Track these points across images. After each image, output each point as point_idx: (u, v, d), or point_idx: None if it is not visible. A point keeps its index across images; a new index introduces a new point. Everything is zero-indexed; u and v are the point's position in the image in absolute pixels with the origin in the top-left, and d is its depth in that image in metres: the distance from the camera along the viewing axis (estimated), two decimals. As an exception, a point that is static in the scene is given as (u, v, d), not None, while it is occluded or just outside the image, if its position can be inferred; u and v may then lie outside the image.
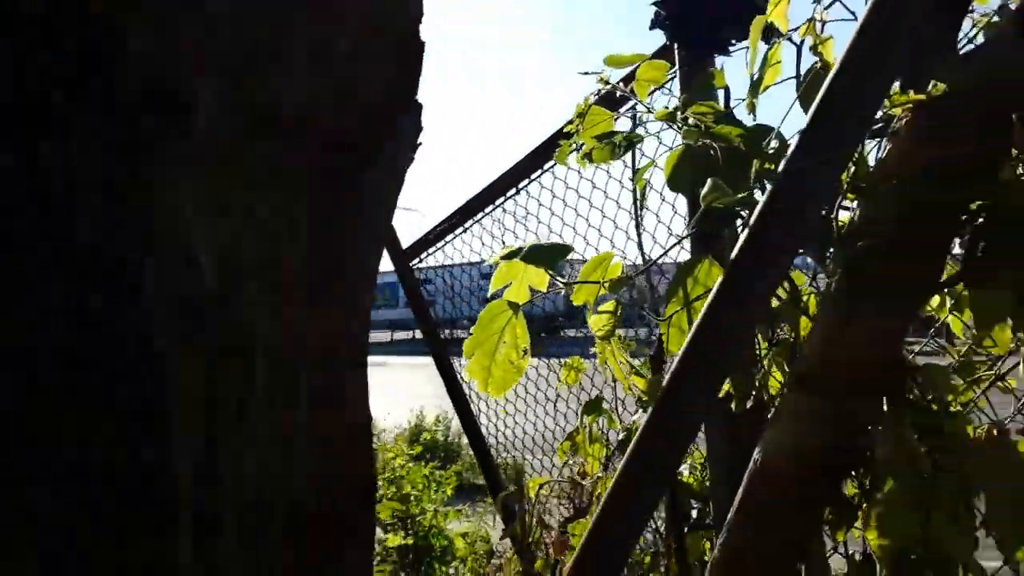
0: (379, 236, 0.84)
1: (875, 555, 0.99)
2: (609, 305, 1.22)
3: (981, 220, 0.98)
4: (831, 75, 0.85)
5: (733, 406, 1.34)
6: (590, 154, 1.25)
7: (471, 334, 1.18)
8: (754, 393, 1.33)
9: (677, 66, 1.47)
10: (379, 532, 3.66)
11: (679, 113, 1.16)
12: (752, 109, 1.14)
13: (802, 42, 1.15)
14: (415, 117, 0.81)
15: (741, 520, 1.13)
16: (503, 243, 2.53)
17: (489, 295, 1.19)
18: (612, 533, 0.98)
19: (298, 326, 0.77)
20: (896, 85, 0.99)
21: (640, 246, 1.51)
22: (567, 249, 1.11)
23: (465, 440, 3.27)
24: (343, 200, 0.79)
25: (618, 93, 1.29)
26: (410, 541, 3.47)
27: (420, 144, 0.83)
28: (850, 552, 1.15)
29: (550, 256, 1.09)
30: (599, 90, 1.29)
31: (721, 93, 1.40)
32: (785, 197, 0.83)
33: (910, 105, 0.90)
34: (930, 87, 0.87)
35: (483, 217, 2.58)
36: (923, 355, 1.31)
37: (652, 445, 0.93)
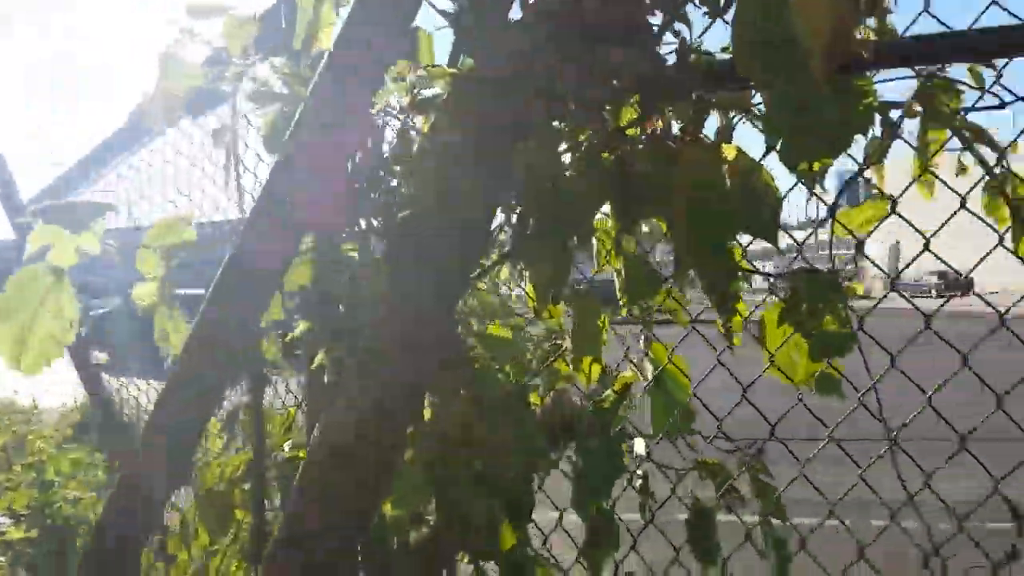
0: None
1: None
2: (157, 273, 1.11)
3: (523, 199, 1.02)
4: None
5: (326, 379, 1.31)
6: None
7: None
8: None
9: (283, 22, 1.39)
10: (8, 524, 3.23)
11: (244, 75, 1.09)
12: (303, 74, 1.10)
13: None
14: None
15: (301, 497, 1.09)
16: (128, 202, 2.30)
17: (25, 257, 1.03)
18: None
19: None
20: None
21: (241, 207, 1.43)
22: (101, 207, 0.99)
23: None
24: None
25: (190, 47, 1.17)
26: (34, 534, 3.09)
27: None
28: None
29: (79, 215, 0.96)
30: (176, 40, 1.17)
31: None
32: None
33: (448, 79, 0.90)
34: (460, 62, 0.87)
35: (109, 172, 2.32)
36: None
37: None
